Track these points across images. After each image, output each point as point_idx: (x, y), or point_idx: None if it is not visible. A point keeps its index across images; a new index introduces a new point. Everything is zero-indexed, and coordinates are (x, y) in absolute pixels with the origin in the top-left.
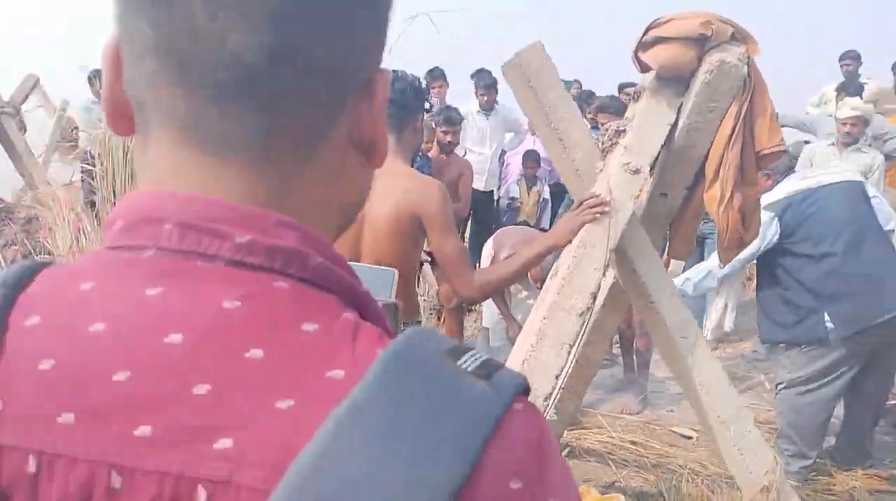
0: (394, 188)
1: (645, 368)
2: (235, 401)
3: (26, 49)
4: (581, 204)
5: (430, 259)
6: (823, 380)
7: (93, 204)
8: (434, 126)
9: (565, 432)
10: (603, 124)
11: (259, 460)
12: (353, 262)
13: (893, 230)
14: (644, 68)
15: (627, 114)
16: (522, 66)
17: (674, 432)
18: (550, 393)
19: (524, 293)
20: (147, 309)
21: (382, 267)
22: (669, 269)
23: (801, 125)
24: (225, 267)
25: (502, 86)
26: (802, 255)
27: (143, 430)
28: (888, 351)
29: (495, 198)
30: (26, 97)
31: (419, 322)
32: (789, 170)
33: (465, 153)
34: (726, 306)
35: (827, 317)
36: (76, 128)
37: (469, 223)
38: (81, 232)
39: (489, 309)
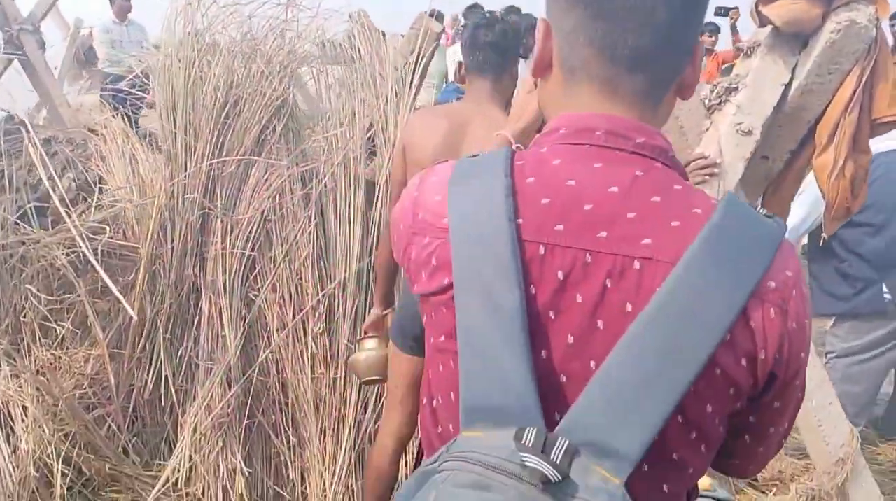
0: (487, 135)
1: None
2: (649, 221)
3: None
4: (688, 164)
5: None
6: (877, 351)
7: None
8: None
9: None
10: None
11: (665, 249)
12: None
13: None
14: (763, 22)
15: (738, 70)
16: None
17: None
18: None
19: None
20: (596, 173)
21: None
22: None
23: None
24: (630, 155)
25: None
26: (863, 224)
27: (602, 234)
28: None
29: None
30: (45, 14)
31: None
32: None
33: None
34: None
35: (885, 289)
36: (91, 47)
37: None
38: (137, 160)
39: None
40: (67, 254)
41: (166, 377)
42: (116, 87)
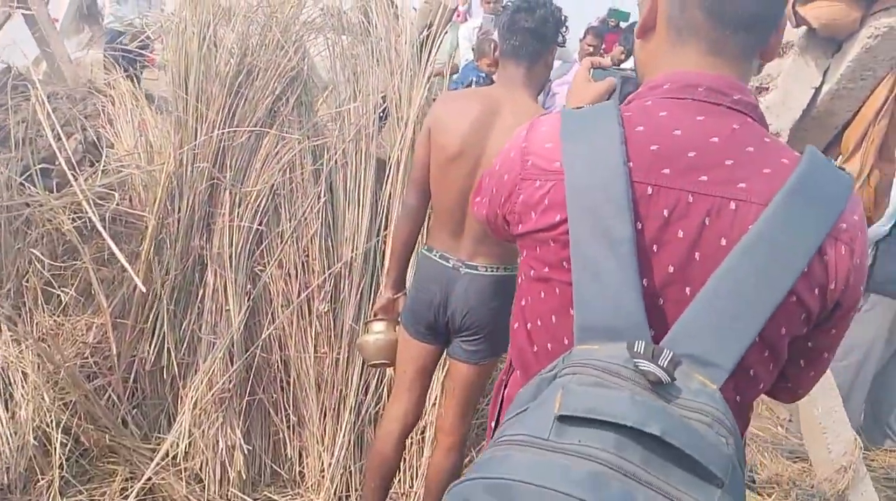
0: (517, 122)
1: None
2: (745, 168)
3: None
4: None
5: None
6: (881, 347)
7: (150, 97)
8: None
9: None
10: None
11: (758, 192)
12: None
13: None
14: (800, 22)
15: (768, 69)
16: None
17: None
18: None
19: None
20: (699, 125)
21: None
22: None
23: None
24: (727, 109)
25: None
26: None
27: (703, 178)
28: None
29: None
30: None
31: None
32: None
33: None
34: None
35: None
36: (95, 1)
37: None
38: (146, 125)
39: None
40: (73, 219)
41: (168, 349)
42: (125, 48)
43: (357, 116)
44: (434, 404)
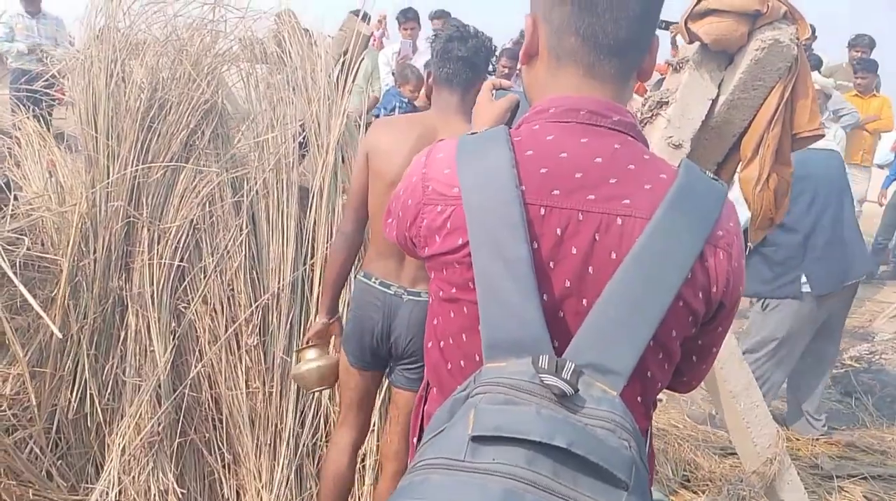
0: None
1: None
2: (628, 185)
3: None
4: None
5: None
6: (788, 343)
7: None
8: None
9: None
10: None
11: (641, 207)
12: None
13: (861, 210)
14: (692, 38)
15: (667, 84)
16: None
17: None
18: None
19: None
20: (583, 146)
21: None
22: None
23: None
24: (608, 130)
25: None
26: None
27: (590, 196)
28: (838, 317)
29: None
30: None
31: None
32: None
33: None
34: None
35: (804, 278)
36: None
37: None
38: (55, 166)
39: None
40: None
41: (91, 395)
42: (30, 87)
43: (276, 145)
44: (373, 431)
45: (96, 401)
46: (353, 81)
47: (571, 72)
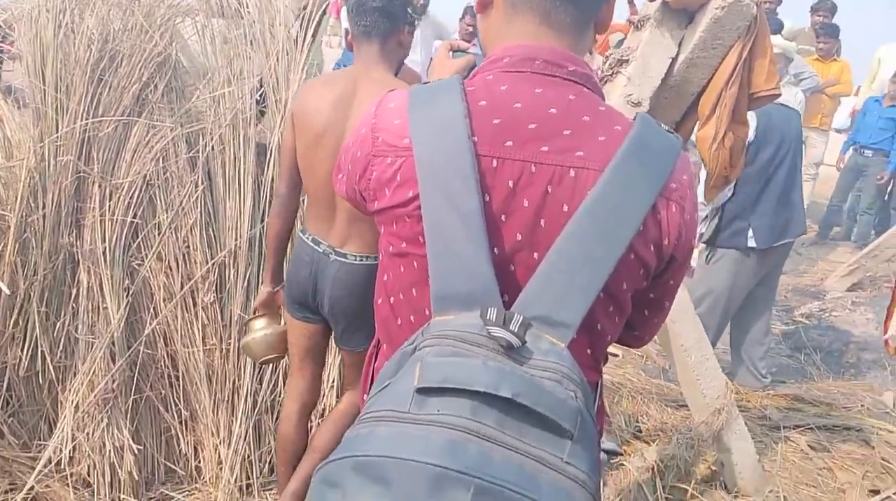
0: (376, 96)
1: None
2: (582, 137)
3: None
4: None
5: None
6: (729, 295)
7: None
8: None
9: None
10: None
11: (595, 159)
12: None
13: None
14: None
15: (629, 42)
16: None
17: None
18: None
19: None
20: (538, 97)
21: None
22: None
23: None
24: (563, 80)
25: None
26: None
27: (544, 148)
28: (774, 274)
29: None
30: None
31: None
32: None
33: None
34: None
35: (751, 231)
36: None
37: None
38: (2, 120)
39: None
40: None
41: (43, 353)
42: None
43: (233, 101)
44: (332, 386)
45: (48, 359)
46: (313, 36)
47: (527, 19)
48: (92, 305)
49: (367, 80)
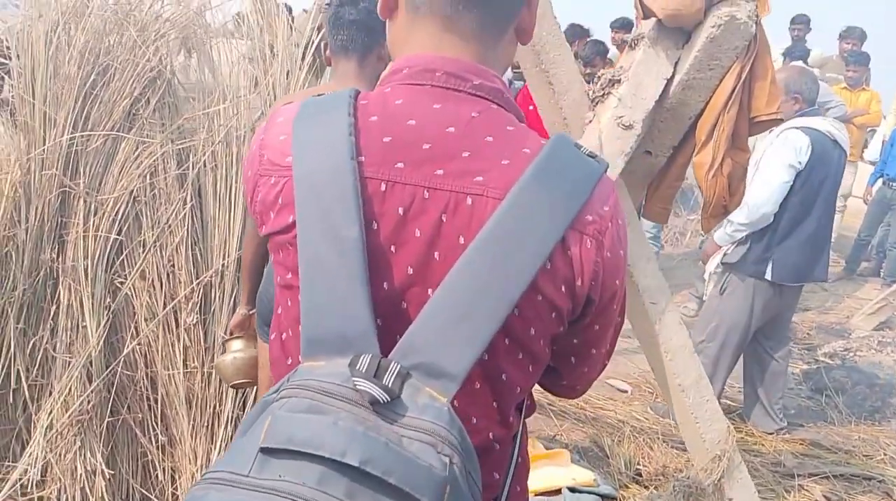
0: None
1: None
2: (482, 160)
3: None
4: None
5: None
6: (742, 329)
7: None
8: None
9: None
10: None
11: (495, 186)
12: None
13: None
14: (647, 14)
15: (621, 62)
16: None
17: (609, 385)
18: None
19: None
20: (435, 113)
21: None
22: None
23: None
24: (467, 95)
25: None
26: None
27: (439, 171)
28: (787, 313)
29: None
30: None
31: None
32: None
33: None
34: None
35: (771, 263)
36: None
37: None
38: None
39: None
40: None
41: (18, 371)
42: None
43: (227, 117)
44: None
45: (23, 377)
46: (313, 54)
47: (428, 24)
48: (71, 323)
49: None
